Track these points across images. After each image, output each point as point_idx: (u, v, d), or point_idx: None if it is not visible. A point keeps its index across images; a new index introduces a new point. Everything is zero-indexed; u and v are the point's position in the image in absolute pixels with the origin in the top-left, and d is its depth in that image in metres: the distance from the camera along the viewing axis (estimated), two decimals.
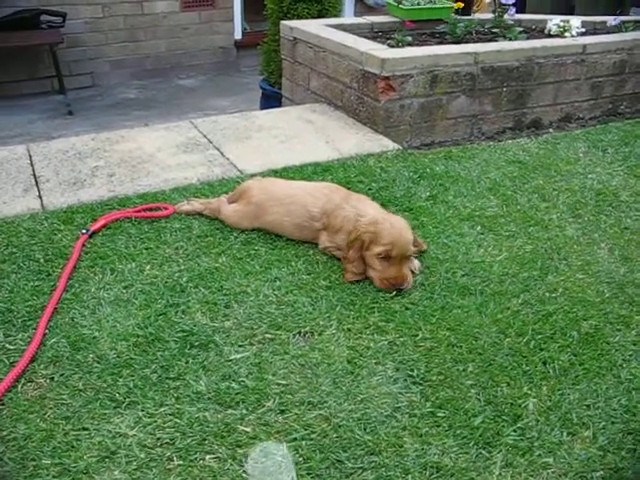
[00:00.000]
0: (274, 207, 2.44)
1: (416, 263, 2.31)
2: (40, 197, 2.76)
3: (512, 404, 1.75)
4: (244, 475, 1.51)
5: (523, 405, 1.74)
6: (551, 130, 3.91)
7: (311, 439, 1.61)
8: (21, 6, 6.22)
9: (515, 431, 1.66)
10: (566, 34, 4.17)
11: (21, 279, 2.20)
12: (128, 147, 3.28)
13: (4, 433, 1.61)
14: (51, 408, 1.69)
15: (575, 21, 4.25)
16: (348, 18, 6.33)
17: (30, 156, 3.15)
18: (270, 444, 1.59)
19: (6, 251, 2.36)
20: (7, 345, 1.90)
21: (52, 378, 1.79)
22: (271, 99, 4.78)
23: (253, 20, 7.55)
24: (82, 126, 5.82)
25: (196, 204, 2.62)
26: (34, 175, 2.95)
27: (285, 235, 2.47)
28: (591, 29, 4.50)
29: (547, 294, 2.23)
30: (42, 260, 2.31)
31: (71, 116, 6.18)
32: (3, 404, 1.70)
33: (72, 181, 2.90)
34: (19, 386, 1.76)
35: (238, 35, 7.63)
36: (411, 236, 2.24)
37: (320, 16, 4.62)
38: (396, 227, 2.22)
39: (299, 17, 4.56)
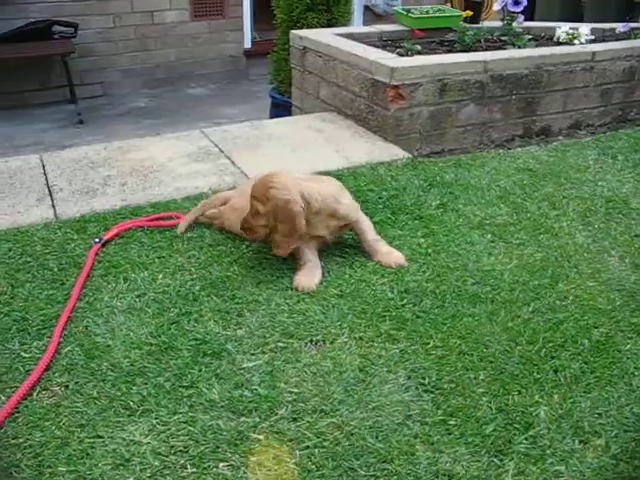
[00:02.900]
0: None
1: None
2: (53, 206, 2.78)
3: (523, 412, 1.75)
4: None
5: (534, 413, 1.75)
6: (561, 137, 3.91)
7: (323, 447, 1.62)
8: (34, 17, 6.29)
9: (527, 439, 1.67)
10: (575, 41, 4.18)
11: (35, 288, 2.23)
12: (140, 156, 3.31)
13: (20, 440, 1.63)
14: (66, 416, 1.71)
15: (584, 28, 4.26)
16: (357, 27, 6.37)
17: (43, 165, 3.19)
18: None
19: (20, 260, 2.39)
20: (22, 353, 1.93)
21: (67, 386, 1.81)
22: (281, 108, 4.80)
23: (262, 29, 7.59)
24: (93, 135, 5.87)
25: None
26: (47, 184, 2.98)
27: None
28: (600, 36, 4.50)
29: (558, 302, 2.23)
30: (56, 269, 2.34)
31: (82, 125, 6.24)
32: (19, 412, 1.71)
33: (85, 190, 2.93)
34: (34, 394, 1.78)
35: (248, 44, 7.68)
36: (258, 189, 2.24)
37: (329, 25, 4.65)
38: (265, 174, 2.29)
39: (309, 26, 4.59)
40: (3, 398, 1.76)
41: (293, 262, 2.39)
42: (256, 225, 2.28)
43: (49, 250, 2.45)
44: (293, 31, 4.32)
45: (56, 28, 6.37)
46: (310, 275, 2.29)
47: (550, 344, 2.01)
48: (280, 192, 2.19)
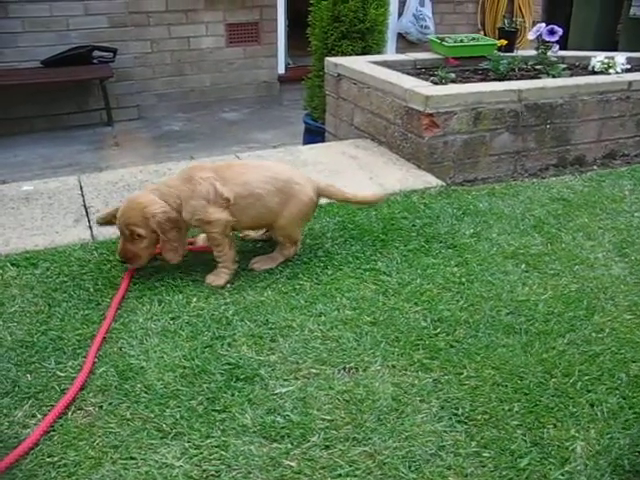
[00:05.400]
0: None
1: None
2: (90, 227, 2.83)
3: (559, 446, 1.72)
4: None
5: (570, 448, 1.72)
6: (595, 167, 3.88)
7: (355, 476, 1.61)
8: (76, 43, 6.46)
9: (563, 475, 1.64)
10: (610, 70, 4.16)
11: (72, 308, 2.26)
12: None
13: (55, 459, 1.65)
14: (100, 436, 1.73)
15: (620, 57, 4.23)
16: (391, 55, 6.41)
17: (81, 187, 3.25)
18: None
19: (58, 280, 2.43)
20: (58, 372, 1.96)
21: (101, 406, 1.83)
22: (314, 134, 4.84)
23: (296, 55, 7.70)
24: (128, 157, 5.96)
25: None
26: (84, 206, 3.03)
27: None
28: (636, 65, 4.47)
29: (594, 334, 2.20)
30: (92, 289, 2.38)
31: (118, 147, 6.34)
32: (54, 430, 1.74)
33: None
34: (69, 413, 1.80)
35: (281, 70, 7.77)
36: (132, 215, 2.34)
37: (364, 53, 4.68)
38: (127, 201, 2.41)
39: (343, 54, 4.63)
40: (39, 416, 1.78)
41: (325, 289, 2.39)
42: (140, 250, 2.39)
43: (85, 270, 2.49)
44: (328, 58, 4.37)
45: (96, 53, 6.52)
46: None
47: (586, 377, 1.98)
48: (154, 207, 2.33)
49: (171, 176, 2.54)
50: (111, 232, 2.77)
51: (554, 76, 4.01)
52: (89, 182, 3.32)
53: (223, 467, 1.63)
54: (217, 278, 2.43)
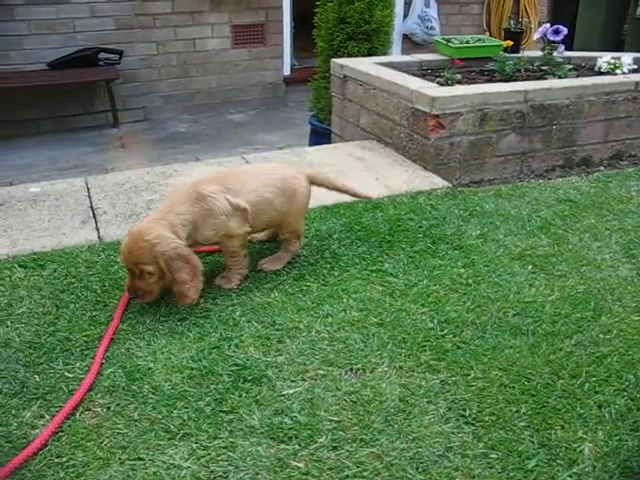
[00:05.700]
0: None
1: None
2: (97, 229, 2.84)
3: (567, 448, 1.72)
4: None
5: (578, 449, 1.71)
6: (602, 168, 3.88)
7: (363, 477, 1.61)
8: (82, 45, 6.49)
9: (571, 476, 1.63)
10: (617, 71, 4.16)
11: (79, 309, 2.27)
12: (182, 181, 3.35)
13: (64, 459, 1.66)
14: (108, 437, 1.73)
15: (626, 58, 4.23)
16: (397, 56, 6.41)
17: (88, 189, 3.26)
18: None
19: (65, 281, 2.44)
20: (66, 373, 1.96)
21: (109, 407, 1.83)
22: (320, 135, 4.85)
23: (301, 56, 7.71)
24: (134, 159, 5.98)
25: None
26: (91, 207, 3.04)
27: None
28: None
29: (601, 335, 2.20)
30: (99, 291, 2.38)
31: (124, 149, 6.36)
32: (63, 431, 1.74)
33: (128, 214, 2.98)
34: (77, 414, 1.81)
35: (287, 71, 7.78)
36: (141, 254, 2.16)
37: (370, 54, 4.68)
38: (128, 235, 2.24)
39: (349, 55, 4.63)
40: (47, 417, 1.79)
41: (332, 291, 2.40)
42: (150, 285, 2.23)
43: (93, 272, 2.50)
44: (334, 60, 4.38)
45: (102, 55, 6.55)
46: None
47: (593, 378, 1.98)
48: (163, 245, 2.17)
49: (172, 197, 2.37)
50: (118, 233, 2.79)
51: (560, 77, 4.00)
52: (96, 184, 3.33)
53: (231, 468, 1.63)
54: (228, 281, 2.43)
